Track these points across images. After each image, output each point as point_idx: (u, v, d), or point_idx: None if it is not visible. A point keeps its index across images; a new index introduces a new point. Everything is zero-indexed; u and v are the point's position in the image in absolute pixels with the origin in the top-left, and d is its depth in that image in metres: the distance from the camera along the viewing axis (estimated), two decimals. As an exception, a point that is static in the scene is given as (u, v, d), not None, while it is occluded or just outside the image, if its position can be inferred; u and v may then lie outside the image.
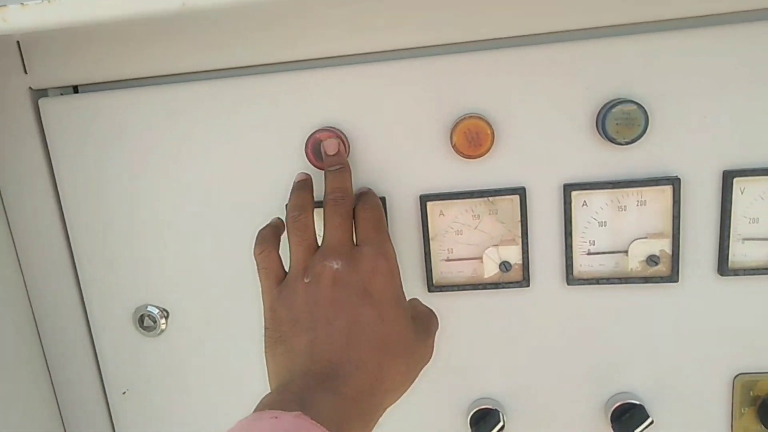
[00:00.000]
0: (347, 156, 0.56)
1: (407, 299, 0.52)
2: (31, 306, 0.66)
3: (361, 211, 0.52)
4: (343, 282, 0.48)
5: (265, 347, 0.50)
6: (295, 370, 0.46)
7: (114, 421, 0.69)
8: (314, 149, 0.56)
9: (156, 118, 0.59)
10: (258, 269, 0.52)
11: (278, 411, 0.40)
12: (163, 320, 0.64)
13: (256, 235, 0.54)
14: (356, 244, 0.51)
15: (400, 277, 0.51)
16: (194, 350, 0.65)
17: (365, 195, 0.55)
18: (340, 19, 0.54)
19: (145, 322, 0.64)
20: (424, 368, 0.51)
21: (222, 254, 0.62)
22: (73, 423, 0.69)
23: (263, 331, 0.50)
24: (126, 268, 0.64)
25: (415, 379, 0.50)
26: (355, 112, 0.57)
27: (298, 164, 0.58)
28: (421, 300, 0.57)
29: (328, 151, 0.54)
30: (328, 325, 0.47)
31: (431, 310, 0.55)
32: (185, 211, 0.61)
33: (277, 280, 0.51)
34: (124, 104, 0.59)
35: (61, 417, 0.69)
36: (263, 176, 0.59)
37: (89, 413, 0.69)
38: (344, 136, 0.56)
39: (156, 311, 0.64)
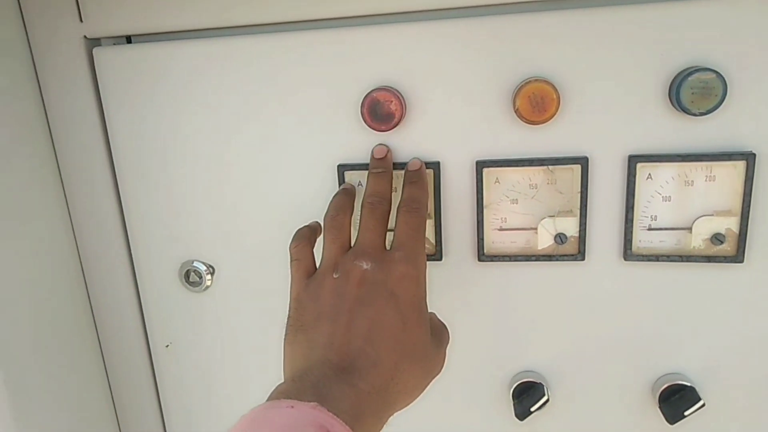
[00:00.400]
0: (403, 117, 0.55)
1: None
2: (79, 256, 0.67)
3: (402, 214, 0.52)
4: (370, 282, 0.49)
5: (285, 335, 0.50)
6: (313, 359, 0.46)
7: (156, 373, 0.70)
8: (370, 109, 0.54)
9: (208, 73, 0.58)
10: (290, 261, 0.54)
11: (295, 401, 0.40)
12: (209, 276, 0.64)
13: (293, 234, 0.55)
14: (391, 246, 0.52)
15: (426, 287, 0.51)
16: (238, 308, 0.66)
17: (413, 188, 0.54)
18: (403, -27, 0.52)
19: (191, 277, 0.65)
20: (435, 378, 0.51)
21: (269, 215, 0.61)
22: (116, 373, 0.71)
23: (286, 320, 0.51)
24: (174, 223, 0.63)
25: (426, 387, 0.50)
26: (412, 72, 0.55)
27: (353, 124, 0.56)
28: (471, 268, 0.56)
29: (375, 154, 0.56)
30: (351, 320, 0.47)
31: (444, 324, 0.55)
32: (234, 168, 0.60)
33: (306, 273, 0.53)
34: (178, 56, 0.58)
35: (105, 366, 0.70)
36: (315, 136, 0.58)
37: (132, 364, 0.70)
38: (401, 96, 0.55)
39: (203, 267, 0.64)
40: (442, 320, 0.55)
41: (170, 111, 0.59)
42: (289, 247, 0.54)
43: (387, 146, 0.56)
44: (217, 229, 0.63)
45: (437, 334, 0.53)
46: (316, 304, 0.50)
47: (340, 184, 0.58)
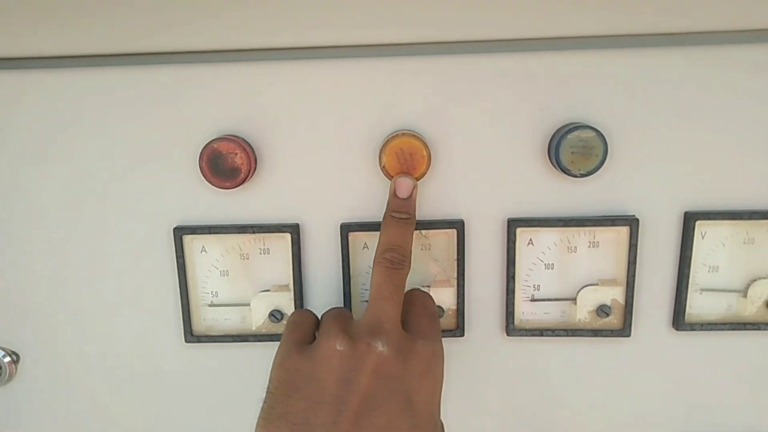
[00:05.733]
0: (251, 172, 0.46)
1: None
2: None
3: (414, 291, 0.44)
4: (386, 374, 0.37)
5: (261, 418, 0.38)
6: None
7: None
8: (210, 161, 0.45)
9: (7, 109, 0.46)
10: (286, 325, 0.43)
11: None
12: (11, 365, 0.51)
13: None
14: (405, 327, 0.41)
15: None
16: (51, 405, 0.53)
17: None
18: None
19: (-13, 366, 0.51)
20: None
21: (88, 289, 0.50)
22: None
23: (263, 397, 0.39)
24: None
25: None
26: (270, 116, 0.46)
27: (192, 178, 0.47)
28: None
29: (398, 191, 0.44)
30: (356, 428, 0.36)
31: (442, 423, 0.44)
32: (41, 229, 0.49)
33: (302, 341, 0.41)
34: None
35: None
36: (146, 189, 0.48)
37: None
38: (250, 146, 0.46)
39: (1, 354, 0.51)
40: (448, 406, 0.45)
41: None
42: (288, 318, 0.44)
43: (413, 180, 0.44)
44: (20, 309, 0.50)
45: None
46: (310, 384, 0.37)
47: (177, 251, 0.48)
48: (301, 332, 0.42)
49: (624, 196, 0.47)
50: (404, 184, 0.44)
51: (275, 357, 0.40)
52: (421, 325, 0.41)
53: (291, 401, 0.37)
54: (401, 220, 0.43)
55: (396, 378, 0.38)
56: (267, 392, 0.39)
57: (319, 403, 0.37)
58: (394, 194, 0.44)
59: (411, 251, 0.43)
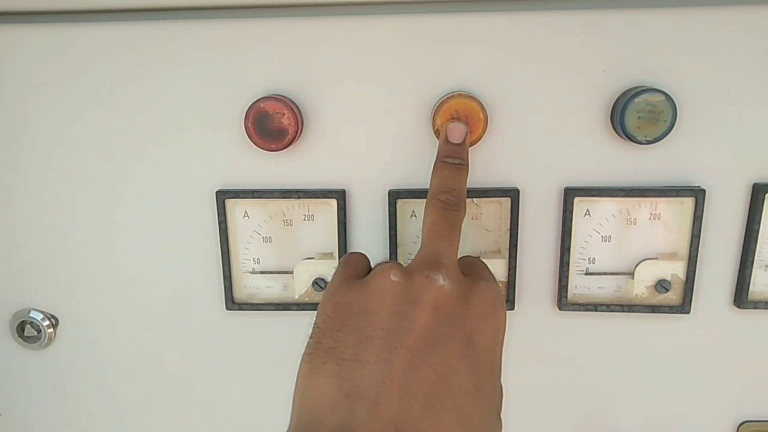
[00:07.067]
0: (298, 134, 0.44)
1: None
2: None
3: (467, 257, 0.41)
4: (447, 310, 0.34)
5: (305, 354, 0.34)
6: (341, 412, 0.31)
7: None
8: (256, 122, 0.43)
9: (49, 67, 0.45)
10: (338, 264, 0.40)
11: None
12: (50, 330, 0.50)
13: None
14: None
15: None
16: (88, 371, 0.52)
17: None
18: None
19: (26, 330, 0.50)
20: None
21: (128, 254, 0.49)
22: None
23: (310, 330, 0.35)
24: (3, 263, 0.49)
25: None
26: (311, 78, 0.44)
27: (235, 139, 0.45)
28: None
29: (450, 136, 0.41)
30: (411, 366, 0.32)
31: (502, 385, 0.40)
32: (82, 192, 0.47)
33: (354, 275, 0.38)
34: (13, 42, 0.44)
35: None
36: (188, 152, 0.46)
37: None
38: (296, 107, 0.44)
39: (41, 318, 0.50)
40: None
41: (-4, 117, 0.46)
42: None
43: (466, 126, 0.42)
44: (60, 271, 0.49)
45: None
46: (361, 317, 0.34)
47: (220, 215, 0.47)
48: (354, 269, 0.38)
49: (689, 165, 0.45)
50: (457, 129, 0.41)
51: (324, 294, 0.37)
52: (482, 273, 0.39)
53: (340, 335, 0.33)
54: (454, 165, 0.40)
55: (457, 316, 0.34)
56: (314, 327, 0.35)
57: (371, 337, 0.33)
58: (445, 140, 0.41)
59: (465, 198, 0.39)
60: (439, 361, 0.32)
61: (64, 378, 0.52)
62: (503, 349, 0.37)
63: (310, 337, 0.34)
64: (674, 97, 0.42)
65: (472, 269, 0.39)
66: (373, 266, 0.39)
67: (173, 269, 0.49)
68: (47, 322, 0.50)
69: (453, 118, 0.42)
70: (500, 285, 0.47)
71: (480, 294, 0.35)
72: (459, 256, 0.39)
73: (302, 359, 0.34)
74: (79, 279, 0.49)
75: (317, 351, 0.33)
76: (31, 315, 0.50)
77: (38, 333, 0.50)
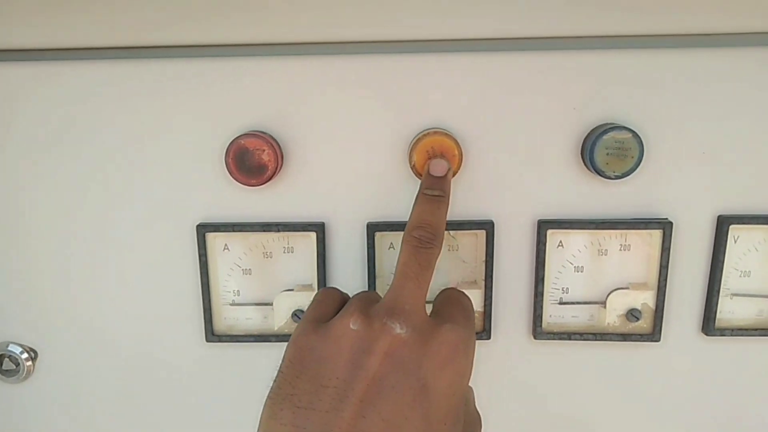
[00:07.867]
0: (278, 169, 0.45)
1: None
2: None
3: (449, 289, 0.42)
4: (400, 358, 0.34)
5: (268, 396, 0.35)
6: None
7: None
8: (237, 158, 0.44)
9: (28, 101, 0.45)
10: (310, 302, 0.40)
11: None
12: (28, 363, 0.50)
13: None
14: (432, 312, 0.39)
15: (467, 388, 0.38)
16: (69, 404, 0.52)
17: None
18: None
19: (4, 364, 0.50)
20: None
21: (108, 285, 0.49)
22: None
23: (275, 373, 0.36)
24: (-19, 295, 0.49)
25: None
26: (293, 114, 0.45)
27: (217, 175, 0.46)
28: None
29: (432, 170, 0.42)
30: (360, 418, 0.32)
31: (479, 415, 0.41)
32: (63, 224, 0.48)
33: (321, 318, 0.38)
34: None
35: None
36: (169, 187, 0.47)
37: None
38: (276, 143, 0.45)
39: (19, 350, 0.50)
40: (478, 408, 0.42)
41: (-24, 152, 0.46)
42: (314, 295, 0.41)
43: (448, 163, 0.43)
44: (39, 304, 0.49)
45: None
46: (319, 365, 0.34)
47: (200, 248, 0.47)
48: (322, 310, 0.39)
49: (657, 198, 0.46)
50: (440, 164, 0.42)
51: (293, 333, 0.38)
52: (452, 313, 0.39)
53: (298, 382, 0.34)
54: (433, 197, 0.40)
55: (411, 364, 0.34)
56: (278, 371, 0.36)
57: (325, 386, 0.33)
58: (428, 174, 0.42)
59: (443, 232, 0.39)
60: (388, 410, 0.33)
61: (42, 411, 0.52)
62: (467, 390, 0.37)
63: (274, 381, 0.35)
64: (641, 134, 0.43)
65: (446, 307, 0.40)
66: (350, 296, 0.40)
67: (153, 302, 0.49)
68: (26, 355, 0.50)
69: (430, 157, 0.43)
70: (477, 315, 0.48)
71: (440, 339, 0.35)
72: (444, 287, 0.40)
73: (265, 401, 0.35)
74: (58, 312, 0.49)
75: (277, 396, 0.34)
76: (9, 348, 0.50)
77: (17, 366, 0.50)
